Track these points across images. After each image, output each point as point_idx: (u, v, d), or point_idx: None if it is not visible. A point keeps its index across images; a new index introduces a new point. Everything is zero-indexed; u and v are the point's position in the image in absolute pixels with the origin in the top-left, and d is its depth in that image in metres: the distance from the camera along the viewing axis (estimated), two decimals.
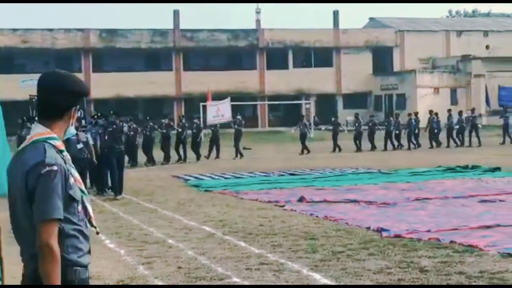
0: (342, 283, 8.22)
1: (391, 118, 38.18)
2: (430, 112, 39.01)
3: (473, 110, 38.96)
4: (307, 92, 65.75)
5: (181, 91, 62.75)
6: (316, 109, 62.60)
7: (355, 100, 65.06)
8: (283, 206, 15.29)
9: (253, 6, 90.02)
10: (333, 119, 38.62)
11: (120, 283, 8.52)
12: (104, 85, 57.72)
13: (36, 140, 3.60)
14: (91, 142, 18.41)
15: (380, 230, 11.60)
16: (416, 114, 38.75)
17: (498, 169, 22.22)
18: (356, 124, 37.22)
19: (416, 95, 60.94)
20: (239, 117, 35.01)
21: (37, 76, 4.00)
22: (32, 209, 3.51)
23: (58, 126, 3.67)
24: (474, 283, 8.02)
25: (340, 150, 35.22)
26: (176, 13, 64.03)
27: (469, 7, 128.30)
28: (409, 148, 36.07)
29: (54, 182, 3.51)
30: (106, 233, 12.18)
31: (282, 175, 23.38)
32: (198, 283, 8.47)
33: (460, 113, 38.86)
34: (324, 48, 66.83)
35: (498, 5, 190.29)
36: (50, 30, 60.42)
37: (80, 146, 17.40)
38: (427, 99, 60.45)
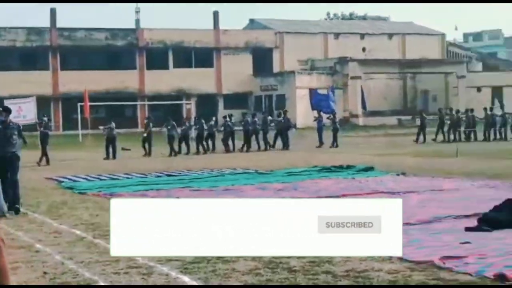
0: (209, 284, 8.18)
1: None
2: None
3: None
4: (188, 92, 65.69)
5: (59, 91, 61.49)
6: (197, 110, 62.59)
7: (235, 100, 65.45)
8: None
9: (132, 6, 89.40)
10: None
11: None
12: None
13: None
14: None
15: None
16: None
17: (371, 168, 22.74)
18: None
19: (295, 96, 61.86)
20: (45, 118, 32.39)
21: None
22: None
23: None
24: (339, 282, 8.13)
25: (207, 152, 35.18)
26: (52, 12, 62.75)
27: (347, 10, 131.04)
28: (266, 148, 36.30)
29: None
30: None
31: (159, 176, 23.20)
32: None
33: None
34: (205, 48, 66.99)
35: (374, 8, 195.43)
36: None
37: None
38: (306, 99, 61.37)
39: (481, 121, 41.56)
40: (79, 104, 50.12)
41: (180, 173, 23.86)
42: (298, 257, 9.54)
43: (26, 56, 61.82)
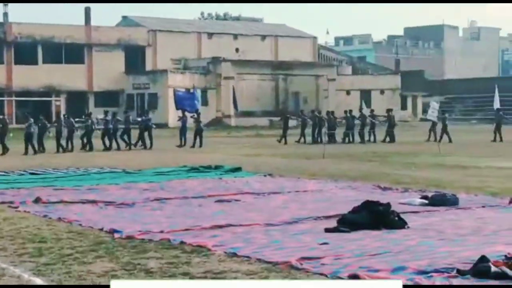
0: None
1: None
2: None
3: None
4: (58, 89, 64.26)
5: None
6: (66, 106, 61.26)
7: (107, 98, 64.46)
8: (17, 207, 14.67)
9: None
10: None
11: None
12: None
13: None
14: None
15: (112, 232, 11.44)
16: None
17: (239, 169, 22.82)
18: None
19: (167, 95, 61.38)
20: None
21: None
22: None
23: None
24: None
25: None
26: None
27: (221, 10, 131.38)
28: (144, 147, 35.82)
29: None
30: None
31: (22, 174, 22.51)
32: None
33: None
34: (76, 44, 65.71)
35: (248, 9, 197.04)
36: None
37: None
38: None
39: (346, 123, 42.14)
40: None
41: (44, 172, 23.19)
42: (157, 258, 9.46)
43: None
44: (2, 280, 8.35)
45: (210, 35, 73.30)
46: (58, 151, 33.39)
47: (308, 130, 41.28)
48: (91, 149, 34.55)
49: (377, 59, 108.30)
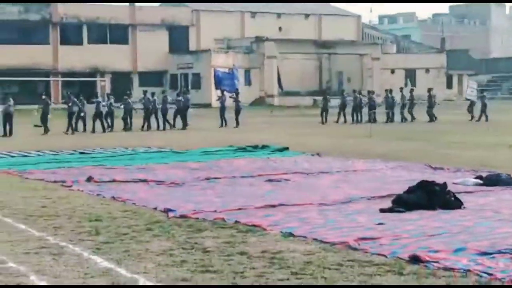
0: (123, 267, 8.00)
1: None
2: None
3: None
4: (102, 69, 64.69)
5: None
6: (111, 86, 61.68)
7: (151, 78, 64.78)
8: (70, 186, 14.82)
9: None
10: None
11: None
12: None
13: None
14: None
15: (166, 211, 11.49)
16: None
17: (286, 149, 22.77)
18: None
19: (210, 75, 61.51)
20: None
21: None
22: None
23: None
24: (254, 263, 8.06)
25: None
26: None
27: None
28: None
29: None
30: None
31: (72, 153, 22.72)
32: None
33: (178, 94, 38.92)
34: (120, 25, 66.04)
35: None
36: None
37: None
38: None
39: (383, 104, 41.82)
40: None
41: (93, 151, 23.39)
42: (213, 237, 9.47)
43: None
44: (62, 257, 8.43)
45: (253, 14, 73.12)
46: (94, 131, 33.70)
47: (349, 110, 41.01)
48: (130, 129, 34.82)
49: (422, 38, 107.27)
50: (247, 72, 64.43)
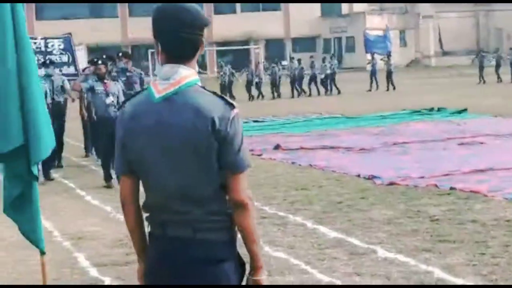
0: (353, 237, 7.79)
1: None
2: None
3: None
4: (256, 37, 65.03)
5: (128, 38, 61.51)
6: (265, 54, 61.92)
7: (304, 43, 64.56)
8: (260, 155, 14.79)
9: None
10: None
11: (119, 243, 7.97)
12: None
13: (190, 82, 3.02)
14: (121, 97, 12.31)
15: (372, 178, 11.22)
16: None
17: (464, 110, 21.98)
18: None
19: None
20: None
21: None
22: (214, 160, 2.97)
23: (193, 66, 3.09)
24: (492, 232, 7.66)
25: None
26: None
27: None
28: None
29: (241, 126, 3.03)
30: (85, 188, 11.62)
31: (246, 122, 22.77)
32: None
33: (323, 59, 37.96)
34: None
35: None
36: None
37: (109, 100, 12.22)
38: None
39: None
40: (149, 51, 49.96)
41: (264, 120, 23.32)
42: (434, 205, 9.12)
43: (95, 4, 61.75)
44: (288, 228, 8.31)
45: None
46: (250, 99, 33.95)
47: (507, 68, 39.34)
48: (278, 96, 34.77)
49: None
50: (401, 33, 63.07)
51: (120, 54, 15.23)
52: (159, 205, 3.07)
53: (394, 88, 35.88)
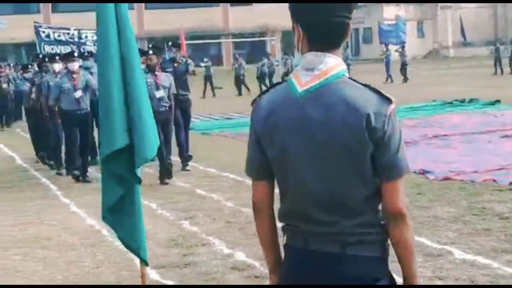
0: (423, 236, 7.36)
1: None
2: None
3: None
4: (272, 29, 64.51)
5: (144, 30, 61.15)
6: (282, 46, 61.40)
7: None
8: None
9: None
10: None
11: (173, 243, 7.60)
12: None
13: (338, 73, 2.61)
14: (173, 89, 11.74)
15: (423, 173, 10.79)
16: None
17: (498, 102, 21.50)
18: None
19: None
20: None
21: None
22: (368, 163, 2.55)
23: (338, 54, 2.68)
24: None
25: None
26: None
27: None
28: None
29: (399, 123, 2.59)
30: None
31: None
32: None
33: None
34: None
35: None
36: None
37: (160, 94, 11.38)
38: None
39: None
40: (166, 43, 49.61)
41: None
42: (499, 201, 8.70)
43: None
44: None
45: None
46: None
47: None
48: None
49: None
50: (419, 24, 62.51)
51: (170, 43, 14.70)
52: (300, 214, 2.65)
53: (405, 80, 35.51)
